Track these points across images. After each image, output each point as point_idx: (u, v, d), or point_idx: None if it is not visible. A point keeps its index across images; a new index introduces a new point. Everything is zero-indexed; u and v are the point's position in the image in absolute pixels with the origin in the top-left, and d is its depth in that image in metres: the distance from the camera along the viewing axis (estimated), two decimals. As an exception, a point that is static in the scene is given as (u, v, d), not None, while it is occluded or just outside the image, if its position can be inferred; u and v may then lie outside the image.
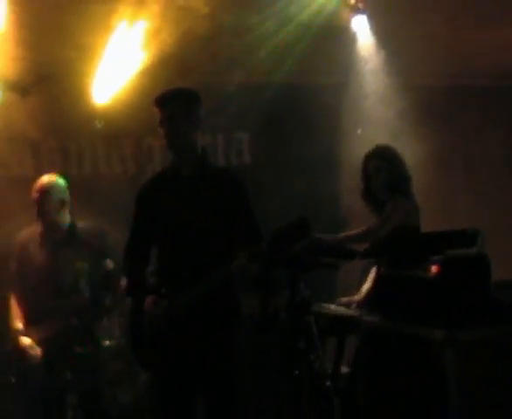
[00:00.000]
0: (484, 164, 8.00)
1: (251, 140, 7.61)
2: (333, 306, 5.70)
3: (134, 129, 7.22)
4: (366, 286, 5.71)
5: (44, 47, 6.46)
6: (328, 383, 5.22)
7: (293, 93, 7.26)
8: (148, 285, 4.75)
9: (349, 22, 7.06)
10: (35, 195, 5.73)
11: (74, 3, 6.14)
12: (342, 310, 5.64)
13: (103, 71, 6.76)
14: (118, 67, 6.71)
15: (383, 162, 5.52)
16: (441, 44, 6.93)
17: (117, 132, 7.24)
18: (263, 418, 5.72)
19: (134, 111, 6.84)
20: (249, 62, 6.75)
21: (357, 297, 5.73)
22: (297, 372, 5.01)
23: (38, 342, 5.61)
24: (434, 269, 4.77)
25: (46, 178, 5.81)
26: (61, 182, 5.83)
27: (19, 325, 5.69)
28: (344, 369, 5.61)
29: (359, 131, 7.24)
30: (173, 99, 4.64)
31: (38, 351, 5.58)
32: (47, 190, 5.73)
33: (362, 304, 5.58)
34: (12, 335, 5.71)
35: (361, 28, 7.13)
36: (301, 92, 7.35)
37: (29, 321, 5.69)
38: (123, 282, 5.24)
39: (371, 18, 7.03)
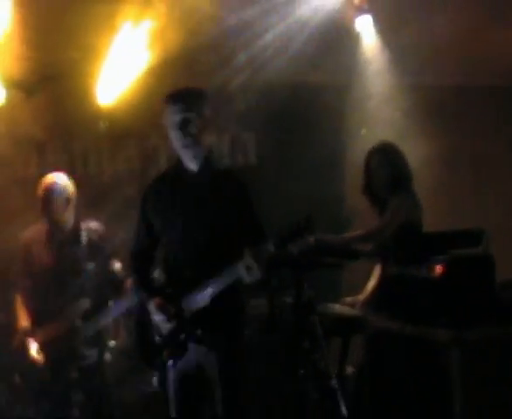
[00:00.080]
0: (490, 164, 7.99)
1: (256, 141, 7.61)
2: (338, 306, 5.70)
3: (139, 129, 7.23)
4: (371, 284, 5.71)
5: (49, 47, 6.47)
6: (333, 383, 5.22)
7: (298, 94, 7.25)
8: (154, 286, 4.75)
9: (353, 22, 7.07)
10: (40, 192, 5.74)
11: (79, 4, 6.15)
12: (346, 310, 5.64)
13: (108, 71, 6.77)
14: (123, 67, 6.71)
15: (385, 159, 5.52)
16: (446, 43, 6.92)
17: (122, 132, 7.23)
18: (268, 418, 5.72)
19: (139, 111, 6.85)
20: (254, 63, 6.75)
21: (362, 296, 5.74)
22: (302, 372, 5.01)
23: (43, 343, 5.62)
24: (439, 269, 4.78)
25: (52, 176, 5.82)
26: (67, 180, 5.84)
27: (24, 324, 5.70)
28: (349, 369, 5.62)
29: (363, 131, 7.24)
30: (189, 99, 4.64)
31: (42, 351, 5.59)
32: (53, 188, 5.74)
33: (367, 302, 5.58)
34: (17, 335, 5.72)
35: (365, 28, 7.14)
36: (306, 92, 7.34)
37: (34, 321, 5.70)
38: (129, 282, 5.25)
39: (376, 18, 7.04)
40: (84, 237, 5.74)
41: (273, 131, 7.35)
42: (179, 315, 4.52)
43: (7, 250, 5.97)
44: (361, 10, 6.96)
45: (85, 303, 5.66)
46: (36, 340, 5.65)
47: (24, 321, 5.72)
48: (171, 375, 4.57)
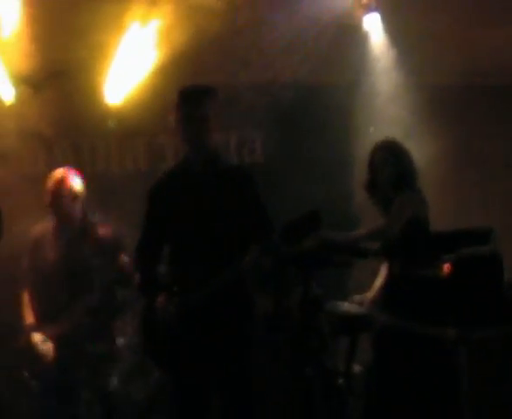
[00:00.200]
0: (496, 163, 7.98)
1: (263, 139, 7.60)
2: (346, 304, 5.70)
3: (146, 127, 7.23)
4: (378, 282, 5.71)
5: (58, 45, 6.49)
6: (340, 381, 5.23)
7: (305, 92, 7.24)
8: (161, 283, 4.76)
9: (361, 20, 7.07)
10: (49, 187, 5.76)
11: (88, 2, 6.17)
12: (354, 308, 5.64)
13: (116, 69, 6.78)
14: (131, 66, 6.73)
15: (389, 155, 5.51)
16: (453, 42, 6.91)
17: (130, 130, 7.24)
18: (275, 416, 5.72)
19: (146, 109, 6.86)
20: (262, 61, 6.75)
21: (370, 294, 5.73)
22: (309, 370, 5.01)
23: (50, 339, 5.63)
24: (447, 268, 4.78)
25: (61, 172, 5.84)
26: (75, 176, 5.85)
27: (32, 321, 5.72)
28: (357, 368, 5.62)
29: (371, 129, 7.23)
30: (198, 96, 4.65)
31: (50, 347, 5.60)
32: (62, 182, 5.76)
33: (374, 300, 5.58)
34: (25, 331, 5.73)
35: (373, 26, 7.13)
36: (314, 90, 7.34)
37: (41, 318, 5.71)
38: (137, 278, 5.25)
39: (383, 17, 7.04)
40: (92, 234, 5.75)
41: (280, 129, 7.34)
42: (185, 312, 4.53)
43: (14, 247, 5.97)
44: (369, 9, 6.97)
45: (92, 299, 5.67)
46: (43, 337, 5.66)
47: (30, 318, 5.73)
48: (176, 374, 4.61)
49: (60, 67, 6.87)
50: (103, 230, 5.79)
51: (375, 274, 5.75)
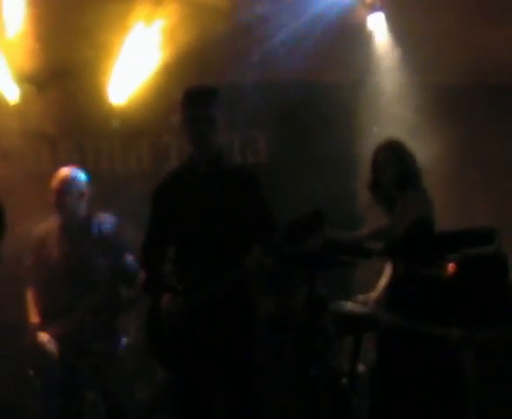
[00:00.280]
0: (501, 163, 7.97)
1: (267, 139, 7.61)
2: (350, 304, 5.70)
3: (150, 127, 7.24)
4: (382, 282, 5.71)
5: (62, 45, 6.51)
6: (344, 381, 5.23)
7: (309, 91, 7.25)
8: (166, 283, 4.76)
9: (365, 20, 7.07)
10: (55, 185, 5.76)
11: (92, 2, 6.18)
12: (358, 308, 5.64)
13: (120, 69, 6.79)
14: (135, 66, 6.74)
15: (392, 155, 5.50)
16: (457, 41, 6.91)
17: (134, 130, 7.26)
18: (279, 416, 5.73)
19: (150, 109, 6.87)
20: (266, 60, 6.75)
21: (374, 294, 5.73)
22: (313, 370, 5.02)
23: (55, 338, 5.63)
24: (451, 268, 4.77)
25: (66, 170, 5.84)
26: (81, 174, 5.86)
27: (36, 319, 5.72)
28: (361, 368, 5.62)
29: (375, 129, 7.23)
30: (202, 97, 4.65)
31: (54, 346, 5.61)
32: (67, 181, 5.75)
33: (379, 300, 5.57)
34: (30, 330, 5.74)
35: (377, 26, 7.13)
36: (318, 89, 7.35)
37: (45, 316, 5.71)
38: (142, 278, 5.26)
39: (388, 16, 7.04)
40: (96, 232, 5.76)
41: (284, 129, 7.35)
42: (189, 312, 4.54)
43: (18, 245, 5.98)
44: (373, 8, 6.97)
45: (96, 298, 5.67)
46: (47, 335, 5.66)
47: (35, 317, 5.74)
48: (180, 373, 4.61)
49: (64, 67, 6.89)
50: (107, 228, 5.80)
51: (379, 274, 5.74)
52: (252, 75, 6.89)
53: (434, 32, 6.70)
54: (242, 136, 7.58)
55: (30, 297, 5.79)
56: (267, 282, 5.17)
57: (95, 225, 5.79)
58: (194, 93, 4.68)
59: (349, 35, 6.84)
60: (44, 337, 5.64)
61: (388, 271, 5.61)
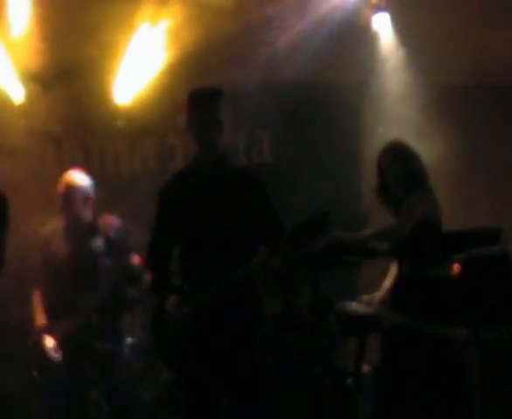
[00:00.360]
0: (505, 163, 7.96)
1: (272, 139, 7.61)
2: (355, 304, 5.70)
3: (155, 127, 7.25)
4: (388, 282, 5.71)
5: (68, 44, 6.52)
6: (349, 381, 5.22)
7: (314, 92, 7.25)
8: (172, 284, 4.76)
9: (370, 20, 7.07)
10: (61, 189, 5.77)
11: (97, 1, 6.18)
12: (363, 308, 5.64)
13: (125, 69, 6.79)
14: (140, 66, 6.74)
15: (396, 158, 5.50)
16: (462, 42, 6.90)
17: (139, 130, 7.26)
18: (284, 416, 5.73)
19: (155, 109, 6.87)
20: (270, 61, 6.75)
21: (379, 294, 5.73)
22: (318, 370, 5.02)
23: (60, 339, 5.64)
24: (457, 268, 4.77)
25: (72, 174, 5.85)
26: (86, 179, 5.86)
27: (42, 321, 5.73)
28: (366, 368, 5.62)
29: (380, 129, 7.23)
30: (207, 98, 4.66)
31: (59, 352, 5.61)
32: (73, 185, 5.76)
33: (384, 300, 5.57)
34: (35, 331, 5.75)
35: (382, 26, 7.13)
36: (323, 90, 7.35)
37: (51, 316, 5.71)
38: (147, 278, 5.26)
39: (393, 17, 7.03)
40: (101, 233, 5.76)
41: (289, 129, 7.35)
42: (194, 312, 4.54)
43: (23, 245, 5.99)
44: (378, 9, 6.96)
45: (101, 298, 5.68)
46: (53, 337, 5.66)
47: (41, 318, 5.74)
48: (185, 374, 4.61)
49: (70, 66, 6.90)
50: (112, 229, 5.80)
51: (384, 274, 5.74)
52: (257, 75, 6.90)
53: (439, 33, 6.70)
54: (247, 136, 7.58)
55: (37, 298, 5.79)
56: (273, 282, 5.17)
57: (100, 226, 5.79)
58: (199, 95, 4.69)
59: (354, 35, 6.83)
60: (48, 342, 5.64)
61: (393, 272, 5.61)
